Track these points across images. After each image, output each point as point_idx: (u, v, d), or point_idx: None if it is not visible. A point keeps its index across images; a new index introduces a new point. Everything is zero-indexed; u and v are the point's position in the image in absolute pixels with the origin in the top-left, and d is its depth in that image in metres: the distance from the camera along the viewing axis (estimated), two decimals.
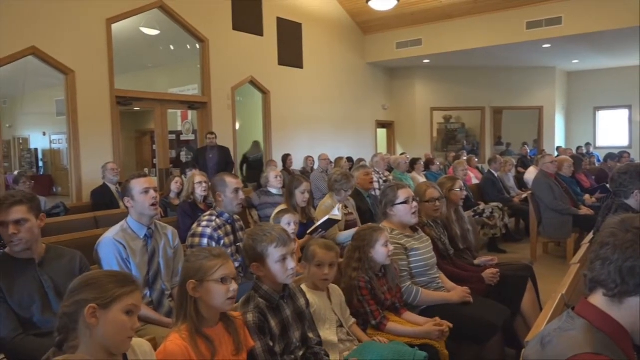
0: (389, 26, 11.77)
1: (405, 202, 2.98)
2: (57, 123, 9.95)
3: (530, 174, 7.42)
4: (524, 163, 11.06)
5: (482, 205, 6.43)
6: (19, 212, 2.26)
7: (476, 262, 3.52)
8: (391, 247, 2.64)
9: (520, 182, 8.20)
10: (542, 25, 9.94)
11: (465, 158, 9.61)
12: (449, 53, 11.34)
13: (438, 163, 9.50)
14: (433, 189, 3.43)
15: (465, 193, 4.08)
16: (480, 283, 3.13)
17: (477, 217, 6.12)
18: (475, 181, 8.25)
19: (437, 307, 2.76)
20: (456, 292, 2.92)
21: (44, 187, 10.54)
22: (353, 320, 2.48)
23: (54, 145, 11.64)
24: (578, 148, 12.49)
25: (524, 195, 6.78)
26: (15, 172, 7.70)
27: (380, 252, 2.58)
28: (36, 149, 12.15)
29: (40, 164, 12.14)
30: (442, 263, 3.19)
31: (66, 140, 7.25)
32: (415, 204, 3.02)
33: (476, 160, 10.59)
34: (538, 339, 1.33)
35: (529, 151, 12.22)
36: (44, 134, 11.72)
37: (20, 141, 12.17)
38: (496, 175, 7.37)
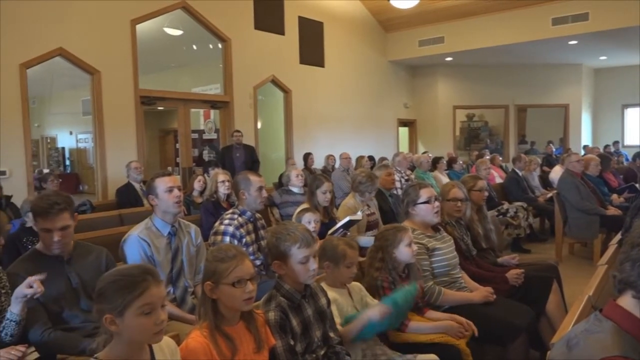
0: (410, 24, 11.68)
1: (427, 202, 2.95)
2: (83, 122, 10.14)
3: (556, 173, 7.27)
4: (549, 162, 10.85)
5: (506, 205, 6.34)
6: (64, 219, 2.29)
7: (499, 261, 3.48)
8: (415, 247, 2.62)
9: (545, 182, 8.05)
10: (568, 22, 9.75)
11: (488, 157, 9.47)
12: (472, 50, 11.19)
13: (461, 162, 9.40)
14: (458, 189, 3.38)
15: (486, 193, 4.02)
16: (504, 283, 3.09)
17: (500, 216, 6.04)
18: (499, 180, 8.13)
19: (460, 308, 2.73)
20: (479, 292, 2.89)
21: (71, 185, 10.79)
22: None
23: (80, 144, 11.88)
24: (606, 146, 12.19)
25: (549, 195, 6.65)
26: (37, 171, 7.84)
27: (404, 252, 2.56)
28: (63, 148, 12.42)
29: (67, 162, 12.41)
30: (464, 263, 3.15)
31: (92, 139, 7.41)
32: (437, 203, 2.99)
33: (500, 159, 10.43)
34: (564, 341, 1.31)
35: (554, 150, 11.98)
36: (71, 133, 11.97)
37: (48, 140, 12.46)
38: (520, 174, 7.25)
